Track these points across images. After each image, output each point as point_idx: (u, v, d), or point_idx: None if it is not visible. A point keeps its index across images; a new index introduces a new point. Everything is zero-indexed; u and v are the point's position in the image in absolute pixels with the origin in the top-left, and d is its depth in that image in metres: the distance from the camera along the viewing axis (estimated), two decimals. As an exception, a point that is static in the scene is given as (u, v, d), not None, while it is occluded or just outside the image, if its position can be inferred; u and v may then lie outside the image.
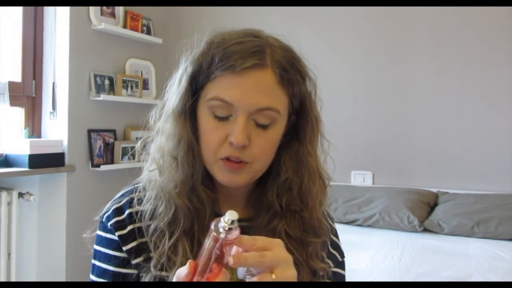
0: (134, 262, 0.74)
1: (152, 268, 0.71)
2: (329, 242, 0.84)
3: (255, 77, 0.69)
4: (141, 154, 0.81)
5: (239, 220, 0.78)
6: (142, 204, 0.75)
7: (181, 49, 0.77)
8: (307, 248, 0.76)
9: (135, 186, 0.79)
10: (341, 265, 0.86)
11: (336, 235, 0.88)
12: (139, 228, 0.74)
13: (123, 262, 0.74)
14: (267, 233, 0.75)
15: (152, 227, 0.73)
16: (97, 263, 0.76)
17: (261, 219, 0.76)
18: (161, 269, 0.71)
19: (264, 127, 0.71)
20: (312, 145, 0.77)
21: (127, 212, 0.76)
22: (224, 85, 0.69)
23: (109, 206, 0.78)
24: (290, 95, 0.73)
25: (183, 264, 0.70)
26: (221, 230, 0.58)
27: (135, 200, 0.77)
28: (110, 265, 0.74)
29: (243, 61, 0.68)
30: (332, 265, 0.82)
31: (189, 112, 0.73)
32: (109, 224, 0.75)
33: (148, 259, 0.73)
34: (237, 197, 0.80)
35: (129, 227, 0.75)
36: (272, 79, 0.70)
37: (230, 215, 0.58)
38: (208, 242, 0.59)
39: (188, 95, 0.73)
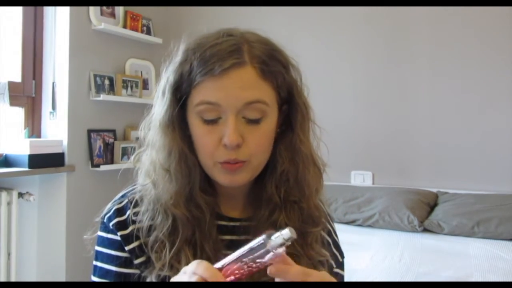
0: (136, 262, 0.74)
1: (153, 277, 0.71)
2: (331, 242, 0.84)
3: (236, 76, 0.69)
4: (135, 167, 0.80)
5: (239, 220, 0.78)
6: (139, 214, 0.75)
7: (162, 59, 0.77)
8: (306, 239, 0.76)
9: (136, 187, 0.79)
10: (341, 265, 0.86)
11: (336, 235, 0.88)
12: (141, 228, 0.74)
13: (125, 262, 0.74)
14: (267, 227, 0.74)
15: (151, 238, 0.73)
16: (99, 264, 0.76)
17: (261, 213, 0.77)
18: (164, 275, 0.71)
19: (255, 122, 0.71)
20: (304, 132, 0.77)
21: (128, 212, 0.76)
22: (208, 89, 0.69)
23: (110, 206, 0.78)
24: (275, 87, 0.73)
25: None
26: (274, 243, 0.56)
27: (135, 200, 0.77)
28: (112, 265, 0.74)
29: (222, 63, 0.68)
30: (334, 265, 0.82)
31: (177, 122, 0.73)
32: (110, 224, 0.75)
33: (150, 259, 0.73)
34: (237, 197, 0.80)
35: (131, 227, 0.75)
36: (254, 74, 0.70)
37: (291, 233, 0.56)
38: (250, 248, 0.58)
39: (173, 105, 0.73)
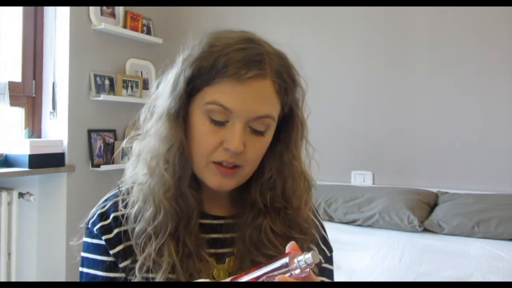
0: (121, 265, 0.74)
1: (137, 271, 0.71)
2: (318, 237, 0.85)
3: (256, 86, 0.70)
4: (126, 155, 0.79)
5: (223, 218, 0.79)
6: (127, 207, 0.75)
7: (181, 49, 0.76)
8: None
9: (120, 189, 0.79)
10: (330, 260, 0.87)
11: (324, 230, 0.89)
12: (125, 231, 0.74)
13: (110, 266, 0.74)
14: (252, 230, 0.76)
15: (137, 229, 0.72)
16: (86, 270, 0.75)
17: (246, 216, 0.78)
18: (147, 271, 0.71)
19: (259, 133, 0.72)
20: (297, 149, 0.79)
21: (112, 216, 0.75)
22: (225, 91, 0.69)
23: (94, 211, 0.77)
24: (283, 103, 0.74)
25: (169, 266, 0.70)
26: (297, 265, 0.58)
27: (120, 203, 0.76)
28: (99, 270, 0.74)
29: (247, 70, 0.68)
30: (322, 261, 0.82)
31: (182, 114, 0.73)
32: (95, 229, 0.75)
33: (135, 262, 0.73)
34: (221, 196, 0.81)
35: (115, 231, 0.74)
36: (271, 89, 0.71)
37: (314, 258, 0.57)
38: (271, 266, 0.59)
39: (184, 97, 0.72)
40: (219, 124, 0.70)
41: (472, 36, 2.75)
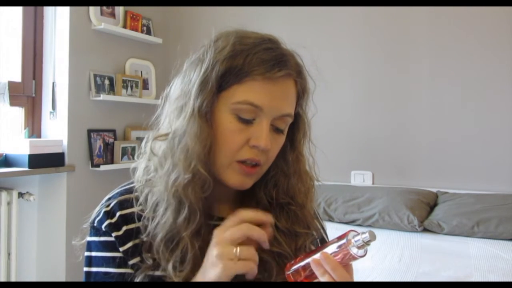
0: (130, 262, 0.73)
1: (171, 272, 0.70)
2: (319, 240, 0.85)
3: (284, 85, 0.72)
4: (152, 153, 0.76)
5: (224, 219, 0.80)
6: (142, 205, 0.74)
7: (208, 45, 0.74)
8: (296, 241, 0.78)
9: (130, 187, 0.78)
10: None
11: (325, 232, 0.90)
12: (133, 229, 0.74)
13: (121, 262, 0.74)
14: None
15: (161, 235, 0.71)
16: (95, 269, 0.74)
17: None
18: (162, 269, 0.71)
19: (280, 131, 0.74)
20: (302, 148, 0.81)
21: (118, 214, 0.75)
22: (256, 90, 0.70)
23: (98, 210, 0.77)
24: (297, 103, 0.77)
25: (193, 266, 0.69)
26: (355, 244, 0.61)
27: (134, 202, 0.75)
28: (110, 267, 0.73)
29: (279, 69, 0.70)
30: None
31: (211, 112, 0.72)
32: (103, 226, 0.74)
33: (143, 260, 0.72)
34: (227, 197, 0.81)
35: (124, 228, 0.74)
36: (294, 88, 0.74)
37: (371, 237, 0.61)
38: (330, 249, 0.62)
39: (215, 95, 0.71)
40: (247, 122, 0.71)
41: (472, 36, 2.75)
